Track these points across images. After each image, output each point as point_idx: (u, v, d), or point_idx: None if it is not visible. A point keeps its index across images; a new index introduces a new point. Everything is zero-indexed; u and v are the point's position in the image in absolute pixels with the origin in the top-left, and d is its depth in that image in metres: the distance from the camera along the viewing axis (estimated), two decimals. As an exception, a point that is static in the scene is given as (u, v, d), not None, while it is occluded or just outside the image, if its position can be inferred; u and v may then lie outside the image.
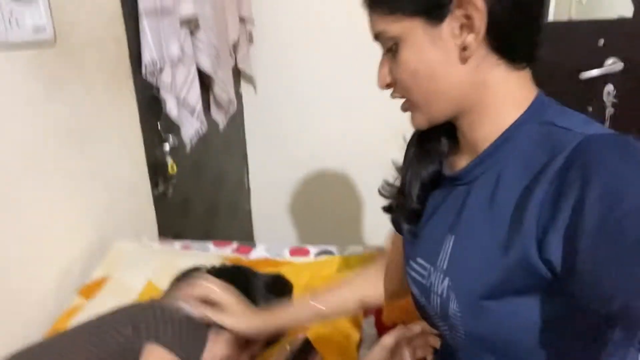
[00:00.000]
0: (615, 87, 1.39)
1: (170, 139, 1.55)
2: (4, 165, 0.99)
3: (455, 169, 0.68)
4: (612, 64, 1.39)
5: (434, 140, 0.72)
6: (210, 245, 1.33)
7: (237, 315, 0.83)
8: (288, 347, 0.93)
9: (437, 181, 0.72)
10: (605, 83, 1.39)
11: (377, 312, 1.07)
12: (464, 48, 0.57)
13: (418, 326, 0.81)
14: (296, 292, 1.06)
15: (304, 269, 1.17)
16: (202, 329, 0.80)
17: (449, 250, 0.64)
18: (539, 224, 0.53)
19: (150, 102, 1.45)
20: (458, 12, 0.56)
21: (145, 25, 1.31)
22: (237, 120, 2.11)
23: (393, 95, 0.67)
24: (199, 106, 1.54)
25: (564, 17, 1.65)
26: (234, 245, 1.32)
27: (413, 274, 0.72)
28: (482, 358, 0.63)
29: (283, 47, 2.04)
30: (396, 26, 0.60)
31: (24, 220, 1.05)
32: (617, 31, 1.39)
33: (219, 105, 1.79)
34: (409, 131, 0.75)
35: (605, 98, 1.40)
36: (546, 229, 0.52)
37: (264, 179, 2.28)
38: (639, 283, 0.43)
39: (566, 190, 0.51)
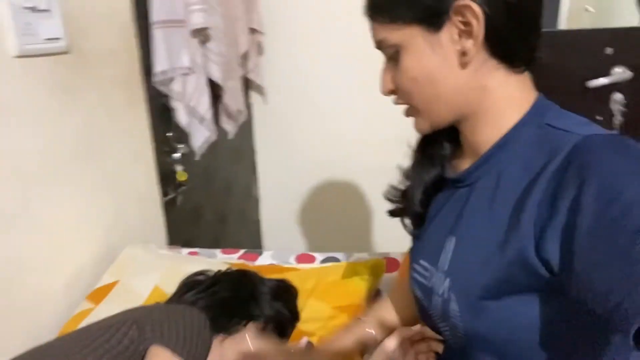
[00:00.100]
0: (624, 96, 1.39)
1: (180, 148, 1.57)
2: (18, 172, 1.02)
3: (457, 172, 0.69)
4: (621, 73, 1.38)
5: (436, 145, 0.73)
6: (217, 252, 1.34)
7: None
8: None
9: (440, 185, 0.73)
10: (613, 92, 1.38)
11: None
12: (463, 53, 0.59)
13: (417, 326, 0.82)
14: (301, 297, 1.06)
15: (310, 275, 1.17)
16: (207, 334, 0.81)
17: (450, 252, 0.65)
18: (536, 224, 0.53)
19: (161, 111, 1.48)
20: (456, 19, 0.58)
21: (156, 35, 1.34)
22: (247, 129, 2.14)
23: (396, 102, 0.68)
24: (208, 115, 1.57)
25: (573, 26, 1.65)
26: (241, 252, 1.34)
27: (416, 275, 0.73)
28: (482, 358, 0.64)
29: (293, 57, 2.07)
30: (397, 34, 0.61)
31: (36, 225, 1.07)
32: (625, 40, 1.39)
33: (228, 114, 1.82)
34: (415, 139, 0.77)
35: (613, 107, 1.39)
36: (544, 228, 0.52)
37: (273, 187, 2.30)
38: (633, 282, 0.43)
39: (563, 189, 0.52)
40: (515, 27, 0.59)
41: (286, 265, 1.25)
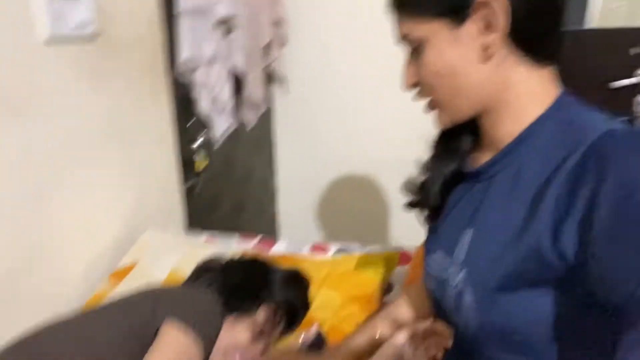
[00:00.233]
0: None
1: (201, 136, 1.61)
2: (45, 156, 1.06)
3: (476, 166, 0.69)
4: (646, 74, 1.36)
5: (456, 138, 0.73)
6: (234, 239, 1.37)
7: None
8: (302, 337, 0.96)
9: (458, 178, 0.73)
10: (638, 94, 1.36)
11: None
12: (486, 47, 0.59)
13: (427, 322, 0.83)
14: (313, 286, 1.08)
15: (323, 265, 1.19)
16: (219, 314, 0.83)
17: (467, 244, 0.66)
18: (554, 216, 0.54)
19: (183, 99, 1.51)
20: (481, 13, 0.58)
21: (182, 24, 1.37)
22: (267, 120, 2.16)
23: (418, 96, 0.68)
24: (229, 105, 1.60)
25: (604, 25, 1.63)
26: (257, 239, 1.36)
27: (430, 267, 0.73)
28: (494, 352, 0.64)
29: (316, 49, 2.08)
30: (420, 28, 0.62)
31: (61, 207, 1.11)
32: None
33: (249, 104, 1.84)
34: (435, 136, 0.77)
35: (636, 109, 1.37)
36: (561, 220, 0.53)
37: (291, 179, 2.32)
38: None
39: (582, 182, 0.52)
40: (539, 22, 0.59)
41: (299, 256, 1.27)
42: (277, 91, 2.18)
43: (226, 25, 1.54)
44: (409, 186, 0.81)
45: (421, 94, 0.68)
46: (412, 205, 0.81)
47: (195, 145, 1.60)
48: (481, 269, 0.63)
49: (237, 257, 1.00)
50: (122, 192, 1.31)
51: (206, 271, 0.95)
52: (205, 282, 0.91)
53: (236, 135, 1.74)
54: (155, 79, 1.41)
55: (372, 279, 1.15)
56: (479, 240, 0.64)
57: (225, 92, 1.57)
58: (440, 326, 0.82)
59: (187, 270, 1.04)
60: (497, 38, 0.58)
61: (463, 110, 0.65)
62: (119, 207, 1.31)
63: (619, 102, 1.37)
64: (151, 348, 0.76)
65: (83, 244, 1.19)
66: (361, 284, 1.13)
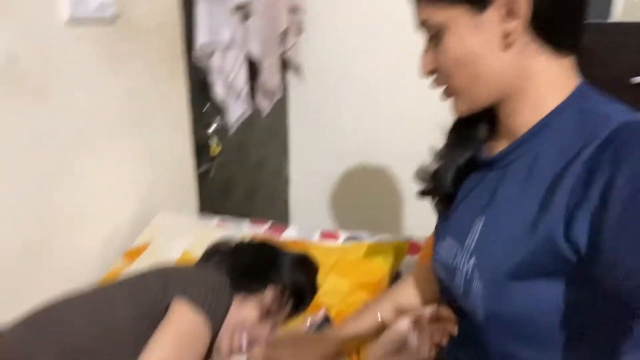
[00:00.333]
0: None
1: (216, 121, 1.62)
2: (65, 134, 1.08)
3: (491, 154, 0.69)
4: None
5: (472, 126, 0.73)
6: (245, 223, 1.39)
7: None
8: (309, 321, 0.97)
9: (472, 166, 0.73)
10: (658, 89, 1.34)
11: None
12: (507, 35, 0.58)
13: (432, 307, 0.83)
14: (322, 272, 1.09)
15: (332, 252, 1.20)
16: (227, 293, 0.85)
17: (478, 231, 0.65)
18: (568, 206, 0.54)
19: (199, 84, 1.52)
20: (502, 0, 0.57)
21: (200, 9, 1.38)
22: (281, 108, 2.17)
23: (435, 83, 0.68)
24: (244, 91, 1.61)
25: (628, 19, 1.60)
26: (268, 224, 1.38)
27: (440, 253, 0.73)
28: (501, 340, 0.64)
29: (332, 38, 2.07)
30: (440, 14, 0.61)
31: (78, 186, 1.14)
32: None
33: (264, 91, 1.85)
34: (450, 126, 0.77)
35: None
36: (574, 210, 0.53)
37: (303, 167, 2.33)
38: None
39: (597, 172, 0.52)
40: (561, 10, 0.59)
41: (310, 242, 1.29)
42: (292, 79, 2.18)
43: (243, 11, 1.55)
44: (421, 174, 0.81)
45: (438, 82, 0.67)
46: (424, 193, 0.81)
47: (210, 130, 1.62)
48: (491, 256, 0.63)
49: (247, 240, 1.02)
50: (137, 174, 1.33)
51: (216, 253, 0.97)
52: (215, 262, 0.93)
53: (251, 121, 1.75)
54: (173, 63, 1.42)
55: (380, 267, 1.15)
56: (490, 228, 0.64)
57: (241, 78, 1.58)
58: (446, 312, 0.83)
59: (199, 251, 1.06)
60: (518, 25, 0.58)
61: (481, 99, 0.65)
62: (134, 188, 1.33)
63: (639, 98, 1.34)
64: (161, 325, 0.78)
65: (98, 222, 1.22)
66: (370, 272, 1.14)
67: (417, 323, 0.84)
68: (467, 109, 0.67)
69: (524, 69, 0.60)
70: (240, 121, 1.65)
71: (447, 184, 0.74)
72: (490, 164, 0.69)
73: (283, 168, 2.32)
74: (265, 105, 1.90)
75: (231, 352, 0.87)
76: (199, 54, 1.41)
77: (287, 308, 0.93)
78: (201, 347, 0.79)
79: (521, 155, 0.63)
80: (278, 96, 1.95)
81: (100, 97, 1.17)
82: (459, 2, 0.60)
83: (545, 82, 0.61)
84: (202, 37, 1.39)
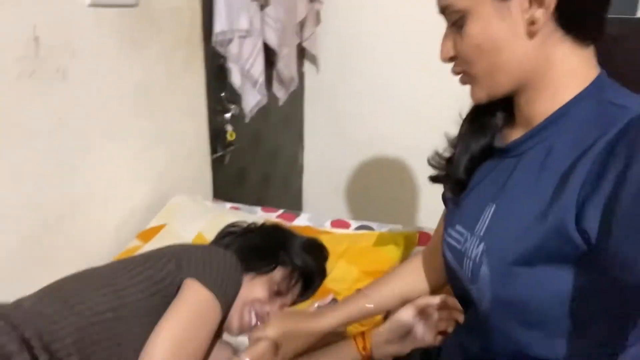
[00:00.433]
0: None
1: (232, 108, 1.64)
2: (85, 115, 1.11)
3: (506, 142, 0.69)
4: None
5: (489, 115, 0.73)
6: (257, 209, 1.41)
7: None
8: (316, 305, 0.99)
9: (487, 154, 0.73)
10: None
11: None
12: (531, 22, 0.58)
13: (437, 297, 0.84)
14: (332, 258, 1.11)
15: (342, 240, 1.22)
16: (238, 273, 0.87)
17: (489, 218, 0.66)
18: (580, 194, 0.54)
19: (216, 71, 1.54)
20: None
21: (219, -4, 1.39)
22: (297, 97, 2.18)
23: (454, 69, 0.68)
24: (261, 79, 1.62)
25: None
26: (280, 212, 1.40)
27: (449, 240, 0.73)
28: (506, 326, 0.65)
29: (350, 29, 2.07)
30: (464, 0, 0.61)
31: (96, 168, 1.17)
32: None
33: (280, 80, 1.86)
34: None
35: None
36: (587, 199, 0.53)
37: (317, 157, 2.34)
38: None
39: (611, 163, 0.52)
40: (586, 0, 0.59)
41: (321, 229, 1.30)
42: (308, 69, 2.19)
43: (262, -1, 1.56)
44: (435, 160, 0.81)
45: (457, 68, 0.67)
46: (436, 179, 0.81)
47: (226, 117, 1.64)
48: (501, 242, 0.63)
49: (258, 223, 1.04)
50: (153, 157, 1.36)
51: (228, 235, 0.99)
52: (226, 243, 0.95)
53: (266, 110, 1.76)
54: (191, 49, 1.44)
55: (390, 256, 1.16)
56: (501, 215, 0.65)
57: (257, 66, 1.60)
58: (452, 301, 0.84)
59: (212, 234, 1.09)
60: (544, 13, 0.57)
61: (501, 86, 0.64)
62: (150, 171, 1.36)
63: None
64: (173, 302, 0.80)
65: (115, 203, 1.25)
66: (379, 260, 1.15)
67: (422, 312, 0.86)
68: (486, 96, 0.67)
69: (545, 57, 0.60)
70: (255, 109, 1.66)
71: (460, 170, 0.74)
72: (504, 152, 0.69)
73: (297, 157, 2.33)
74: (282, 94, 1.91)
75: (241, 330, 0.89)
76: (217, 41, 1.43)
77: (296, 290, 0.95)
78: (212, 325, 0.82)
79: (536, 144, 0.63)
80: (294, 86, 1.96)
81: (119, 79, 1.19)
82: None
83: (566, 71, 0.61)
84: (219, 24, 1.40)
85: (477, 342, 0.72)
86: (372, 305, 0.88)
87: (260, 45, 1.60)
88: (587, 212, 0.53)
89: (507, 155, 0.68)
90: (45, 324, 0.71)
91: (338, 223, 1.34)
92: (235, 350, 0.86)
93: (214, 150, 1.62)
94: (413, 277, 0.91)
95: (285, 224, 1.32)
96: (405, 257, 1.18)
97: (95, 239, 1.20)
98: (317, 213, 1.42)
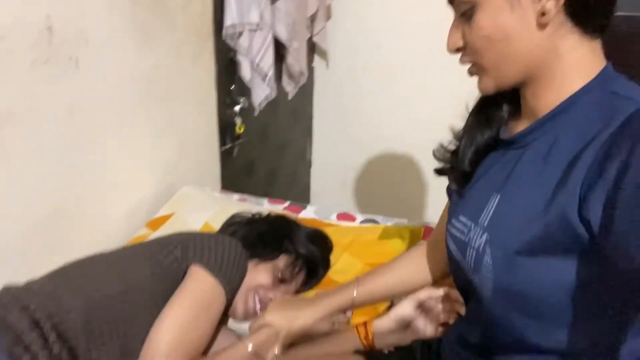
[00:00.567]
0: None
1: (241, 101, 1.65)
2: (95, 105, 1.13)
3: (511, 134, 0.70)
4: None
5: (494, 107, 0.73)
6: (264, 201, 1.42)
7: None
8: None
9: (492, 146, 0.73)
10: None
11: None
12: (542, 14, 0.58)
13: (440, 290, 0.85)
14: (337, 251, 1.12)
15: (348, 232, 1.23)
16: (243, 261, 0.89)
17: (493, 208, 0.66)
18: (583, 184, 0.54)
19: (226, 64, 1.55)
20: None
21: (230, -11, 1.40)
22: (307, 92, 2.19)
23: (462, 59, 0.68)
24: (270, 73, 1.63)
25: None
26: (286, 204, 1.41)
27: (453, 231, 0.74)
28: (507, 316, 0.65)
29: (360, 25, 2.07)
30: None
31: (107, 156, 1.19)
32: None
33: (290, 75, 1.87)
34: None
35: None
36: (589, 189, 0.53)
37: (326, 152, 2.35)
38: None
39: (614, 153, 0.52)
40: None
41: (327, 221, 1.31)
42: (318, 64, 2.20)
43: (273, -8, 1.57)
44: (440, 152, 0.82)
45: (465, 59, 0.67)
46: (441, 171, 0.82)
47: (235, 110, 1.65)
48: (504, 232, 0.63)
49: (264, 214, 1.05)
50: (163, 147, 1.38)
51: (234, 224, 1.00)
52: (231, 231, 0.96)
53: (276, 104, 1.78)
54: (202, 41, 1.45)
55: (395, 249, 1.17)
56: (505, 205, 0.65)
57: (267, 60, 1.61)
58: (454, 293, 0.84)
59: (219, 224, 1.10)
60: (555, 4, 0.58)
61: (509, 77, 0.65)
62: (160, 161, 1.38)
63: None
64: (179, 288, 0.82)
65: (125, 191, 1.27)
66: (383, 254, 1.16)
67: (422, 305, 0.87)
68: (494, 87, 0.67)
69: (554, 49, 0.61)
70: (264, 103, 1.67)
71: (465, 163, 0.75)
72: (509, 144, 0.69)
73: (306, 151, 2.34)
74: (291, 88, 1.92)
75: (246, 315, 0.91)
76: (227, 34, 1.44)
77: (300, 278, 0.96)
78: (216, 311, 0.83)
79: (542, 136, 0.64)
80: (304, 80, 1.96)
81: (131, 70, 1.21)
82: None
83: (573, 63, 0.61)
84: (230, 17, 1.42)
85: (478, 333, 0.73)
86: (360, 295, 0.90)
87: (270, 39, 1.61)
88: (590, 202, 0.53)
89: (512, 146, 0.69)
90: (54, 306, 0.72)
91: (344, 216, 1.35)
92: (239, 337, 0.87)
93: (222, 142, 1.64)
94: (413, 267, 0.92)
95: (292, 216, 1.33)
96: (409, 251, 1.19)
97: (105, 226, 1.22)
98: (324, 206, 1.43)
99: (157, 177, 1.38)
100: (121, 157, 1.23)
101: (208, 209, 1.28)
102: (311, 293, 1.01)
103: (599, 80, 0.61)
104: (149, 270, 0.82)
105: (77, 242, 1.13)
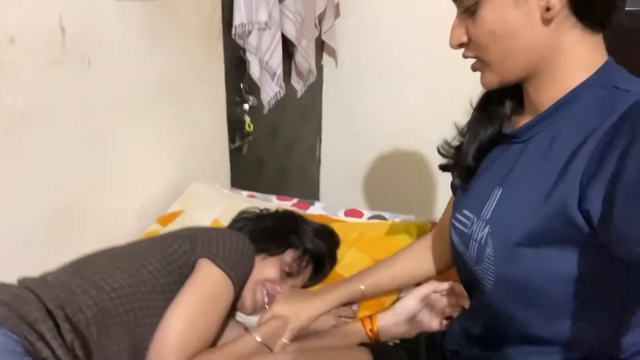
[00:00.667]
0: None
1: (250, 99, 1.67)
2: (108, 103, 1.15)
3: (514, 128, 0.70)
4: None
5: (497, 103, 0.74)
6: (273, 198, 1.44)
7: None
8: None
9: (495, 142, 0.74)
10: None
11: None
12: (547, 9, 0.59)
13: (445, 284, 0.86)
14: (344, 246, 1.13)
15: (355, 228, 1.24)
16: (251, 255, 0.90)
17: (495, 201, 0.67)
18: (583, 175, 0.55)
19: (236, 63, 1.57)
20: None
21: (238, -11, 1.42)
22: (315, 90, 2.20)
23: (465, 54, 0.69)
24: (279, 71, 1.65)
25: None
26: (294, 200, 1.42)
27: (456, 224, 0.75)
28: (509, 307, 0.66)
29: (368, 23, 2.08)
30: None
31: (118, 153, 1.21)
32: None
33: (299, 73, 1.89)
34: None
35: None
36: (590, 179, 0.54)
37: (335, 150, 2.36)
38: None
39: (614, 144, 0.52)
40: None
41: (335, 217, 1.33)
42: (327, 62, 2.21)
43: (281, -9, 1.58)
44: (444, 148, 0.82)
45: (469, 53, 0.68)
46: (445, 167, 0.83)
47: (245, 108, 1.67)
48: (506, 224, 0.64)
49: (271, 210, 1.07)
50: (173, 145, 1.40)
51: (242, 220, 1.02)
52: (239, 226, 0.98)
53: (285, 102, 1.79)
54: (212, 40, 1.48)
55: (401, 245, 1.17)
56: (507, 198, 0.66)
57: (276, 58, 1.62)
58: (459, 287, 0.85)
59: (229, 220, 1.12)
60: (560, 0, 0.58)
61: (513, 72, 0.65)
62: (170, 158, 1.40)
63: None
64: (187, 282, 0.84)
65: (135, 188, 1.30)
66: (390, 249, 1.16)
67: (426, 299, 0.88)
68: (497, 82, 0.67)
69: (557, 44, 0.61)
70: (273, 101, 1.69)
71: (468, 158, 0.76)
72: (512, 138, 0.70)
73: (315, 149, 2.36)
74: (300, 86, 1.94)
75: (254, 309, 0.92)
76: (236, 33, 1.46)
77: (307, 272, 0.98)
78: (224, 305, 0.85)
79: (543, 129, 0.64)
80: (313, 78, 1.98)
81: (141, 69, 1.24)
82: None
83: (575, 57, 0.62)
84: (239, 16, 1.44)
85: (481, 325, 0.74)
86: (367, 287, 0.91)
87: (279, 38, 1.62)
88: (590, 193, 0.53)
89: (514, 141, 0.69)
90: (67, 297, 0.75)
91: (351, 212, 1.36)
92: (247, 329, 0.89)
93: (232, 140, 1.66)
94: (418, 259, 0.93)
95: (300, 212, 1.35)
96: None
97: (117, 221, 1.25)
98: (332, 203, 1.44)
99: (168, 174, 1.40)
100: (133, 154, 1.26)
101: (218, 205, 1.30)
102: (318, 287, 1.02)
103: (600, 74, 0.61)
104: (159, 264, 0.85)
105: (90, 237, 1.16)
